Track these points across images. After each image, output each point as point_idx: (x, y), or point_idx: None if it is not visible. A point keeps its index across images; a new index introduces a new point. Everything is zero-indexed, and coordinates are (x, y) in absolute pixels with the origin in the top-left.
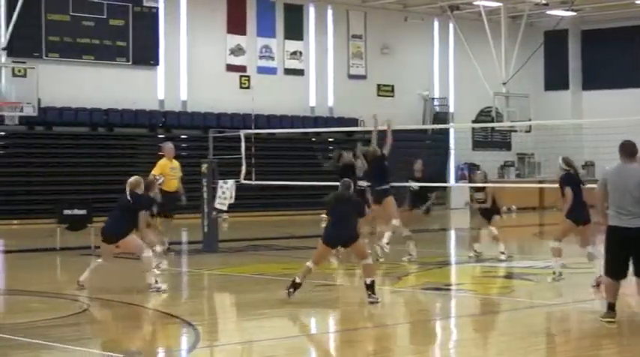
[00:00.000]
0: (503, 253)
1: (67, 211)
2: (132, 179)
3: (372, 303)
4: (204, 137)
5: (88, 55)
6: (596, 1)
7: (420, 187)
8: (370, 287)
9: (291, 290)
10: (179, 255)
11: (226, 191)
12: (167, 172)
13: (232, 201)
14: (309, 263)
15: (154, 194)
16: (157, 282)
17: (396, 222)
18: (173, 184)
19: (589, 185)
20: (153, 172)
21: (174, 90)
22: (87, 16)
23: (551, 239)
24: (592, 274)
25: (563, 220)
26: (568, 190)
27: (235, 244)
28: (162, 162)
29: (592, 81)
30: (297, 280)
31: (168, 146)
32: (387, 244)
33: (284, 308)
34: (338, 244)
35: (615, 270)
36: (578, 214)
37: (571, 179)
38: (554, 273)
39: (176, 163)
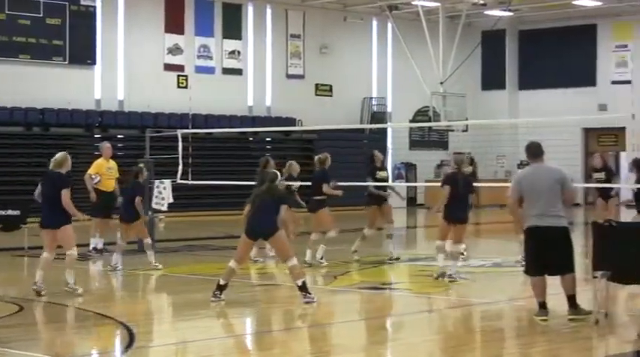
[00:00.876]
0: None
1: (0, 212)
2: (57, 156)
3: (308, 303)
4: (141, 137)
5: (24, 54)
6: (533, 2)
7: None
8: (303, 288)
9: (217, 293)
10: (99, 255)
11: (163, 191)
12: (103, 171)
13: (171, 201)
14: (231, 263)
15: (142, 181)
16: (74, 283)
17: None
18: (110, 183)
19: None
20: (89, 172)
21: (111, 89)
22: (23, 14)
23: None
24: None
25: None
26: (446, 189)
27: (171, 244)
28: (98, 161)
29: (528, 81)
30: (222, 282)
31: (106, 146)
32: (322, 258)
33: (219, 308)
34: (259, 236)
35: (535, 268)
36: (453, 214)
37: (452, 179)
38: (443, 272)
39: (113, 163)
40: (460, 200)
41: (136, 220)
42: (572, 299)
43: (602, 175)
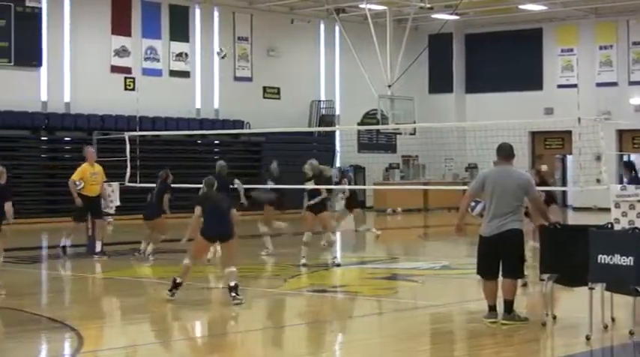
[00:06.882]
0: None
1: None
2: None
3: (237, 304)
4: (88, 139)
5: None
6: (479, 6)
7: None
8: (234, 289)
9: (175, 291)
10: (64, 258)
11: (111, 194)
12: (87, 177)
13: (118, 203)
14: (186, 261)
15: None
16: None
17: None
18: (95, 188)
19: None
20: (72, 178)
21: (57, 91)
22: None
23: None
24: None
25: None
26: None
27: (120, 247)
28: (83, 167)
29: (475, 84)
30: (178, 280)
31: (89, 151)
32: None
33: (167, 312)
34: (216, 239)
35: (487, 270)
36: None
37: None
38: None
39: (98, 168)
40: None
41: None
42: (509, 304)
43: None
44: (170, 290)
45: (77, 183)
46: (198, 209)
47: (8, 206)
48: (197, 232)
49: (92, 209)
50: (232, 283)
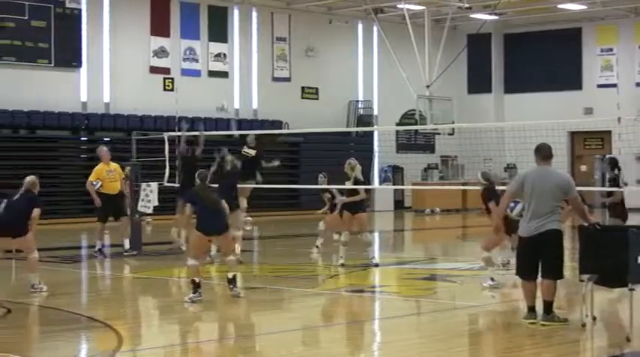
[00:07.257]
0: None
1: None
2: (29, 179)
3: (234, 296)
4: (127, 139)
5: (9, 57)
6: (518, 5)
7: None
8: (232, 281)
9: (200, 290)
10: (102, 257)
11: (150, 194)
12: (104, 176)
13: (156, 203)
14: (190, 262)
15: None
16: (39, 282)
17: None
18: (114, 186)
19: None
20: (89, 179)
21: (97, 92)
22: (8, 17)
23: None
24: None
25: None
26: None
27: (159, 247)
28: (98, 167)
29: (514, 84)
30: (197, 280)
31: (103, 150)
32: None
33: (204, 312)
34: (212, 233)
35: (526, 271)
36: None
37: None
38: (492, 280)
39: (114, 166)
40: None
41: None
42: (548, 305)
43: None
44: (194, 292)
45: (94, 183)
46: (189, 208)
47: (37, 212)
48: (191, 229)
49: (114, 208)
50: (230, 275)
